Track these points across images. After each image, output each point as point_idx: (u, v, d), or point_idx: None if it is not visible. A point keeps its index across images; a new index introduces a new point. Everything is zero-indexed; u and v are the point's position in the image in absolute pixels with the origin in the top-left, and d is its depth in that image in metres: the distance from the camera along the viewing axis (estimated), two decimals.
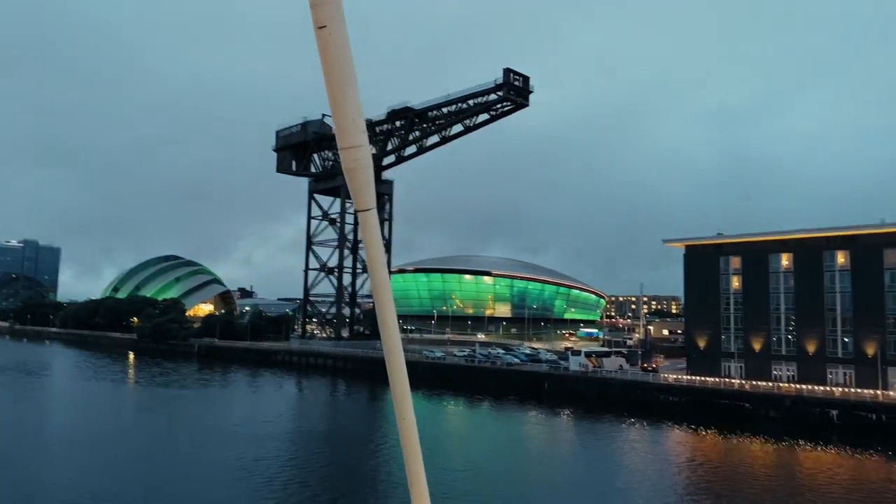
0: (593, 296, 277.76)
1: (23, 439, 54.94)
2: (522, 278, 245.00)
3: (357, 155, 2.40)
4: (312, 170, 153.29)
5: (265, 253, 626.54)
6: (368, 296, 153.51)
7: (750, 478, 47.18)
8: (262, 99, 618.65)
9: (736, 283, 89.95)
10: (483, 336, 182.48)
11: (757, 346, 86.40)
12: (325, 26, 2.13)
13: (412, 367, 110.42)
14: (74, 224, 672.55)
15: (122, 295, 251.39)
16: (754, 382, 77.61)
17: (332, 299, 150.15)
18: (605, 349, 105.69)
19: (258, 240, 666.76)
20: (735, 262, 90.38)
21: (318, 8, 2.11)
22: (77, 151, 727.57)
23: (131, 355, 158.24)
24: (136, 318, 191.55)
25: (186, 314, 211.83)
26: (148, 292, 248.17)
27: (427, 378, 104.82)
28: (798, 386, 74.49)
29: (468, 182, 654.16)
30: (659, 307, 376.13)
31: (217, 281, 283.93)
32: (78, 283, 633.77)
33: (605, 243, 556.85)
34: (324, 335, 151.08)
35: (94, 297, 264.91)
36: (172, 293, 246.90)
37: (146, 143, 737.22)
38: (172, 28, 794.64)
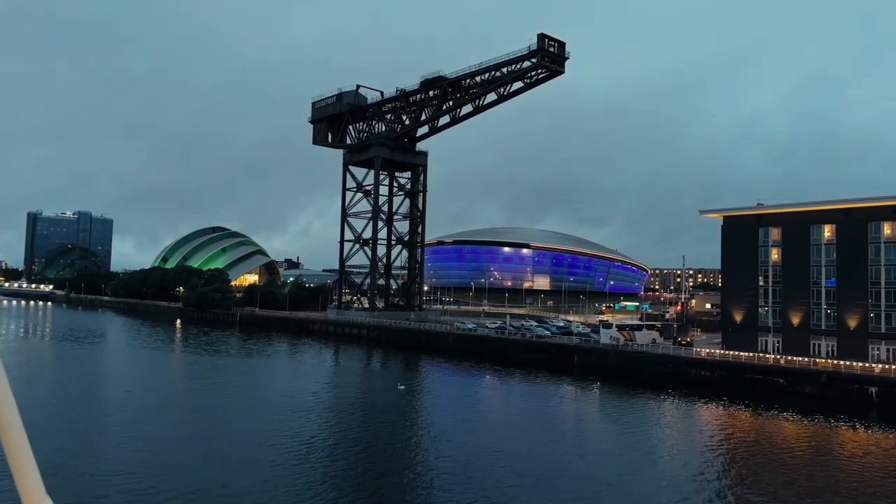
0: (635, 268, 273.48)
1: (74, 405, 57.18)
2: (562, 251, 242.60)
3: None
4: (348, 141, 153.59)
5: (319, 225, 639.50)
6: (403, 267, 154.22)
7: (780, 455, 45.68)
8: (318, 72, 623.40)
9: (775, 255, 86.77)
10: (520, 309, 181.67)
11: (795, 320, 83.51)
12: None
13: (442, 338, 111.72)
14: (139, 194, 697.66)
15: (170, 265, 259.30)
16: (789, 357, 75.07)
17: (367, 270, 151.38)
18: (638, 322, 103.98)
19: (312, 212, 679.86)
20: (775, 233, 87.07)
21: None
22: (146, 124, 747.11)
23: (178, 323, 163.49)
24: (182, 288, 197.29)
25: (232, 284, 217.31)
26: (195, 262, 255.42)
27: (457, 349, 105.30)
28: (835, 361, 71.72)
29: (529, 153, 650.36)
30: (705, 280, 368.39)
31: (261, 252, 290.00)
32: (139, 254, 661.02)
33: (665, 215, 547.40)
34: (360, 306, 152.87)
35: (146, 267, 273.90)
36: (218, 263, 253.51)
37: (212, 117, 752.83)
38: (244, 3, 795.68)
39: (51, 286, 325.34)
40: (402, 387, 70.60)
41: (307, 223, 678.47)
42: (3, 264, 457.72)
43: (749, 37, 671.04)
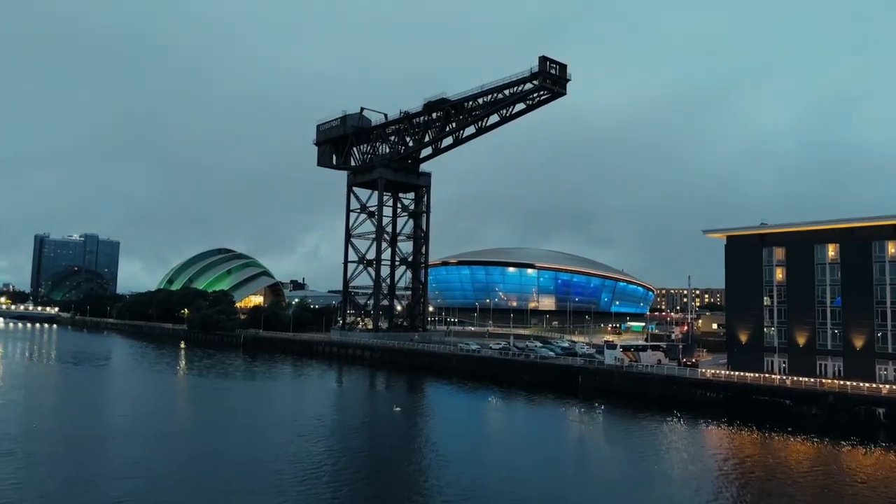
0: (641, 288, 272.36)
1: (75, 429, 56.62)
2: (567, 271, 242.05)
3: None
4: (352, 163, 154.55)
5: (326, 247, 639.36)
6: (407, 288, 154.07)
7: (787, 478, 44.92)
8: (326, 94, 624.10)
9: (780, 274, 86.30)
10: (525, 329, 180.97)
11: (801, 340, 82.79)
12: None
13: (445, 359, 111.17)
14: (148, 216, 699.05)
15: (176, 287, 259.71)
16: (795, 378, 74.30)
17: (372, 291, 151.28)
18: (643, 343, 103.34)
19: (319, 234, 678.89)
20: (779, 252, 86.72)
21: None
22: (156, 147, 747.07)
23: (182, 345, 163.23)
24: (186, 310, 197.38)
25: (237, 305, 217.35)
26: (200, 284, 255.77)
27: (460, 370, 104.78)
28: (842, 382, 70.92)
29: (538, 173, 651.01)
30: (712, 300, 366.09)
31: (267, 273, 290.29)
32: (147, 275, 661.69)
33: (672, 235, 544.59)
34: (364, 327, 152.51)
35: (153, 289, 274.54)
36: (223, 285, 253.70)
37: (221, 139, 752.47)
38: (255, 25, 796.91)
39: (56, 309, 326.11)
40: (398, 409, 69.96)
41: (314, 245, 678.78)
42: (11, 287, 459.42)
43: (761, 57, 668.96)
